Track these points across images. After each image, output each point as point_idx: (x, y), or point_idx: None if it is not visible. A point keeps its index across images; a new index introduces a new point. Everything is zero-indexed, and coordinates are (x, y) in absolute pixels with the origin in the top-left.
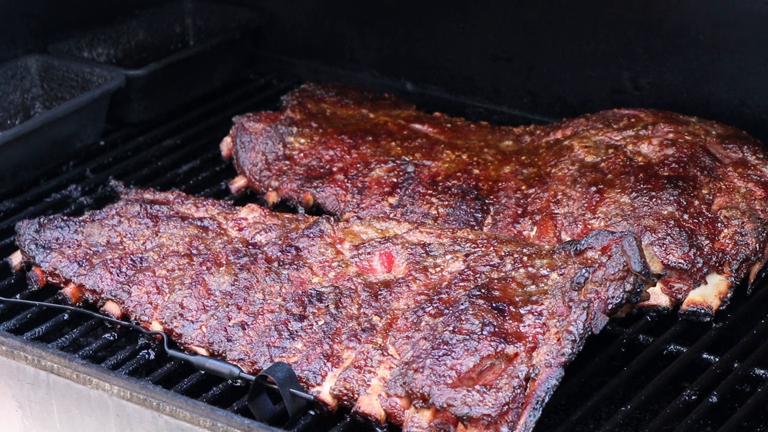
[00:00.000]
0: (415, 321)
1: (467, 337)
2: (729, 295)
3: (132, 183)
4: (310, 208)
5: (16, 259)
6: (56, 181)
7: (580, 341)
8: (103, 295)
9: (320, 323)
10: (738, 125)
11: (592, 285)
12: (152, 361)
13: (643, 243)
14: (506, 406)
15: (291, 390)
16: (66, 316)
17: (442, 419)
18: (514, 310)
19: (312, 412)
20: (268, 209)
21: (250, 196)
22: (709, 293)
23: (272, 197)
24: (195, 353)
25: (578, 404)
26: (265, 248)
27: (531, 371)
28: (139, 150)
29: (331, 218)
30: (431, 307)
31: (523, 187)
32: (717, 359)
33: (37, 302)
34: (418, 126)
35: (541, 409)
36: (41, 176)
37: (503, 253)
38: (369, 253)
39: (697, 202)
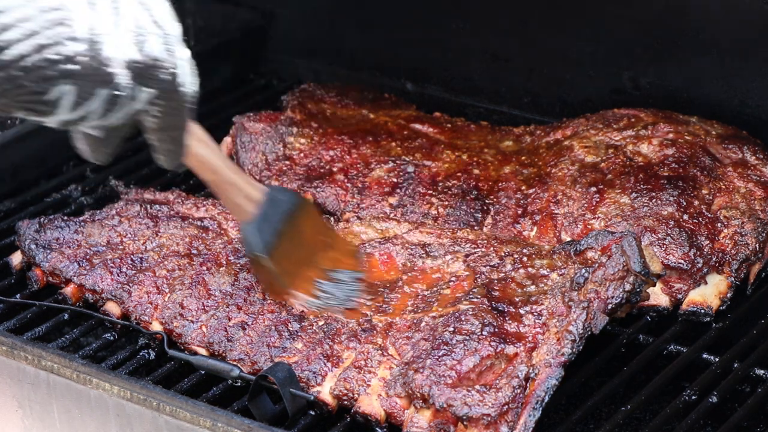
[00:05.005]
0: (415, 321)
1: (467, 338)
2: (729, 295)
3: (132, 183)
4: None
5: (16, 259)
6: (56, 181)
7: (579, 341)
8: (103, 295)
9: (320, 323)
10: (738, 125)
11: (591, 285)
12: (152, 361)
13: (643, 243)
14: (506, 406)
15: (291, 390)
16: (66, 316)
17: (442, 419)
18: (513, 310)
19: (312, 412)
20: None
21: None
22: (709, 293)
23: None
24: (195, 353)
25: (578, 404)
26: None
27: (531, 371)
28: (139, 150)
29: (331, 218)
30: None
31: (523, 187)
32: (717, 359)
33: (37, 302)
34: (418, 126)
35: (541, 409)
36: (41, 176)
37: (503, 254)
38: (369, 254)
39: (697, 203)
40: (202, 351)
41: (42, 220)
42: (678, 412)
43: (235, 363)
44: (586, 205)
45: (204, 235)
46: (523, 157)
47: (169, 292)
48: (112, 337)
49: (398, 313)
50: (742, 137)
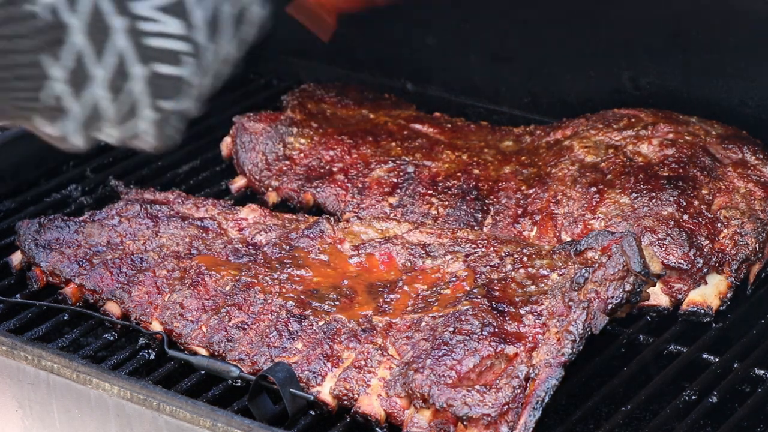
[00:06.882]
0: (415, 321)
1: (467, 338)
2: (729, 295)
3: (132, 183)
4: (310, 208)
5: (16, 259)
6: (56, 181)
7: (580, 341)
8: (103, 295)
9: (320, 323)
10: (738, 125)
11: (592, 285)
12: (152, 361)
13: (643, 243)
14: (506, 406)
15: (291, 390)
16: (66, 316)
17: (442, 419)
18: (514, 310)
19: (312, 412)
20: (268, 209)
21: (250, 196)
22: (709, 293)
23: (272, 197)
24: (195, 353)
25: (578, 404)
26: (265, 248)
27: (531, 371)
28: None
29: (331, 218)
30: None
31: (523, 188)
32: (717, 359)
33: (37, 302)
34: (418, 126)
35: (541, 409)
36: (41, 176)
37: (503, 254)
38: (369, 253)
39: (696, 203)
40: (202, 351)
41: (42, 220)
42: (678, 412)
43: (235, 363)
44: (586, 205)
45: (204, 235)
46: (523, 157)
47: (169, 292)
48: (112, 337)
49: (398, 313)
50: (742, 137)
